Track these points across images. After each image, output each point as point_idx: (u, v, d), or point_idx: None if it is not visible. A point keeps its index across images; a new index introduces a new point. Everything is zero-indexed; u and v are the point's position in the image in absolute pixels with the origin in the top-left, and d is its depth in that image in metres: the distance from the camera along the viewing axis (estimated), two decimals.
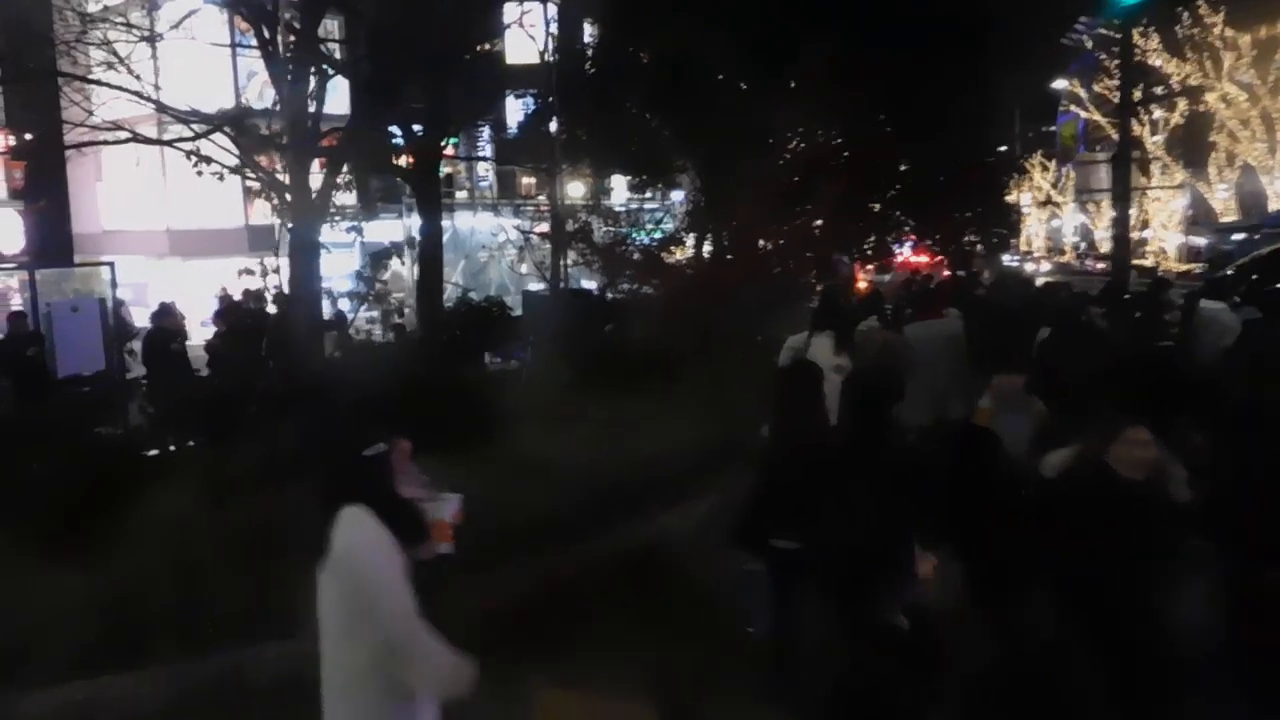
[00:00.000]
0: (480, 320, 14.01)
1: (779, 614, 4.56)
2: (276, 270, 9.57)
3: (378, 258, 10.69)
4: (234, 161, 11.40)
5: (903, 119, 12.28)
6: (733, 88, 12.30)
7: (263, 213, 12.35)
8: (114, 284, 11.75)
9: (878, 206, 13.12)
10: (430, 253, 10.81)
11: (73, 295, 11.33)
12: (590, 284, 14.25)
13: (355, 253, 13.18)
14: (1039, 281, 17.08)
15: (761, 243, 12.13)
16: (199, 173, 9.85)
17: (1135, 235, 53.60)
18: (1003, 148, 15.73)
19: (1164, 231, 52.66)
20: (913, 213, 13.35)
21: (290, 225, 11.73)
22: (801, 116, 11.89)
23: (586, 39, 15.54)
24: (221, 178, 10.65)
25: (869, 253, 13.67)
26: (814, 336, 8.04)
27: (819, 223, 12.64)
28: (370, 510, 2.70)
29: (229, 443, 6.21)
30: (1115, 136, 43.32)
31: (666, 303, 10.88)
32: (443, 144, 11.79)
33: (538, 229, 14.72)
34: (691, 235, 13.32)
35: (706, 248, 13.34)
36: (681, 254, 13.23)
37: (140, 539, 5.04)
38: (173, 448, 6.84)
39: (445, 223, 20.48)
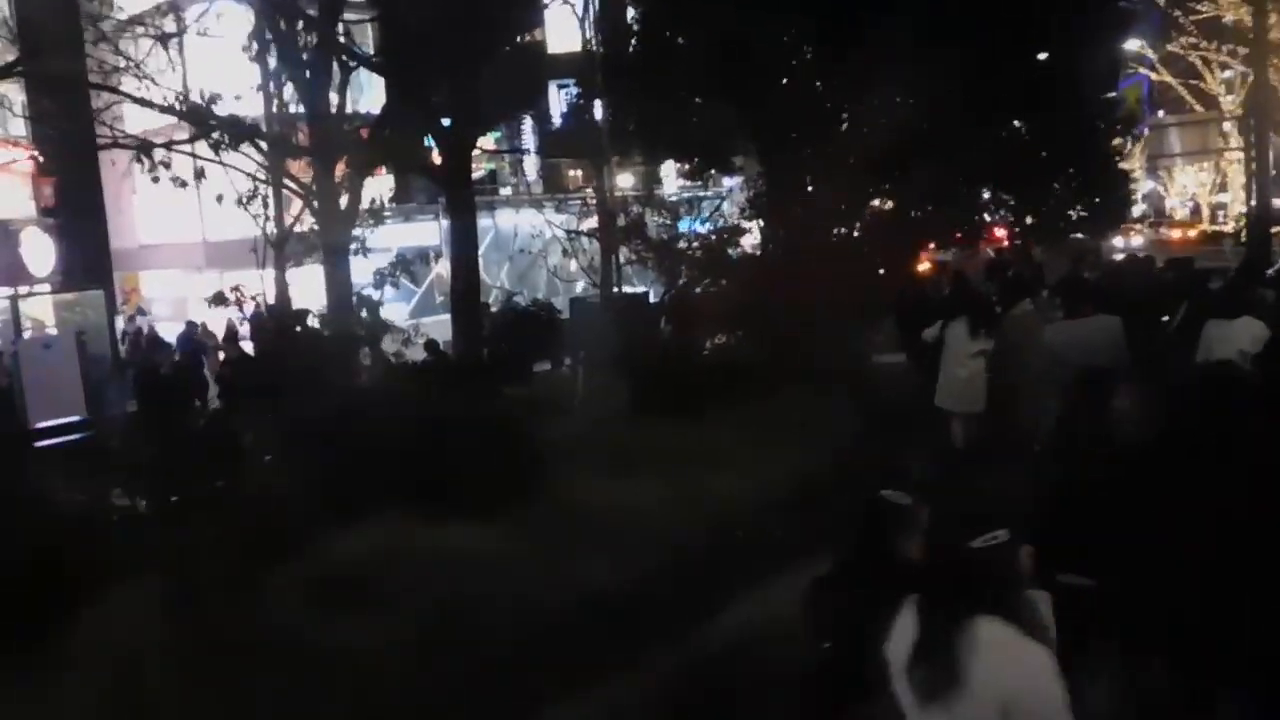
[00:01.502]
0: (528, 327, 12.95)
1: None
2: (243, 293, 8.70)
3: (393, 269, 9.64)
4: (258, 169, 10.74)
5: (992, 84, 10.82)
6: (798, 58, 10.95)
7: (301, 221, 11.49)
8: (112, 306, 10.87)
9: (969, 188, 11.67)
10: (464, 260, 9.72)
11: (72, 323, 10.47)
12: (643, 286, 13.02)
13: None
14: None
15: (838, 231, 10.85)
16: (197, 181, 8.97)
17: (1213, 199, 51.02)
18: (1112, 95, 13.93)
19: (1244, 194, 49.99)
20: (1009, 190, 11.86)
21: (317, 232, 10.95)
22: (877, 87, 10.51)
23: (630, 18, 14.26)
24: (250, 193, 9.95)
25: (959, 237, 12.24)
26: (950, 323, 8.00)
27: (897, 209, 11.31)
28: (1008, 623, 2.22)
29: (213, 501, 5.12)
30: (1188, 97, 41.28)
31: (737, 305, 9.64)
32: (474, 141, 10.72)
33: (585, 225, 13.57)
34: (756, 224, 12.01)
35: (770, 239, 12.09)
36: (746, 245, 11.94)
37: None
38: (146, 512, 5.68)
39: (486, 221, 19.52)
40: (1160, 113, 49.95)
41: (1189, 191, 54.10)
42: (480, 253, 13.02)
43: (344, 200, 10.50)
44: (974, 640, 2.25)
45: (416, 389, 7.61)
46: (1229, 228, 46.95)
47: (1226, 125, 45.28)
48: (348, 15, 11.50)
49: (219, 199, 10.05)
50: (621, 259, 12.43)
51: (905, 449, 7.95)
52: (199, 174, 9.61)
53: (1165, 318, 7.69)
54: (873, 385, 9.40)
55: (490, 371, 10.82)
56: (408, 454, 5.29)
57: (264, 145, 10.06)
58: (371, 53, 12.07)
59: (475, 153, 14.88)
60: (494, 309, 14.54)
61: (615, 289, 11.77)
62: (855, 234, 11.25)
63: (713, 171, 14.43)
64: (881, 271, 10.88)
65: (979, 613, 2.29)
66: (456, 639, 3.93)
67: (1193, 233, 44.70)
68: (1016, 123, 11.89)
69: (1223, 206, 50.94)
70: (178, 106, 9.76)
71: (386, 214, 18.46)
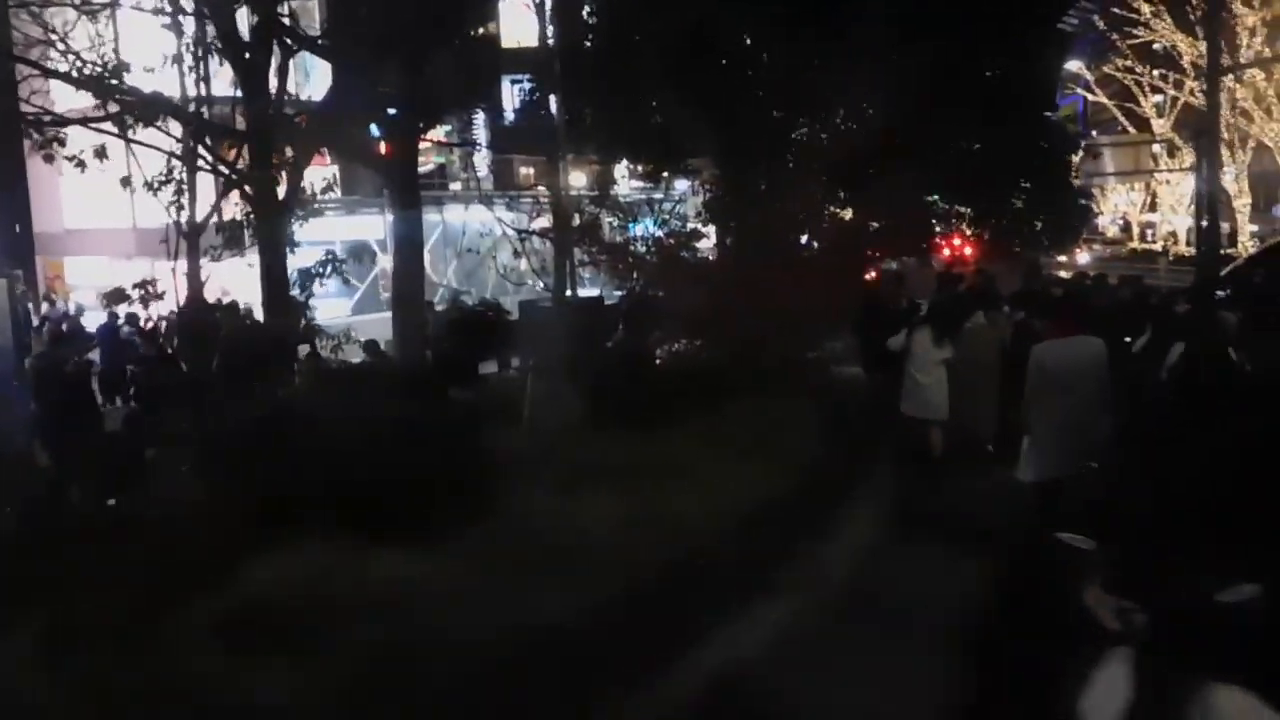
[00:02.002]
0: (475, 328, 12.43)
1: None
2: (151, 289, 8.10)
3: (323, 266, 9.10)
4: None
5: (949, 95, 10.67)
6: (758, 61, 10.67)
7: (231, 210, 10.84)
8: (32, 293, 10.14)
9: (934, 198, 11.54)
10: (408, 256, 9.22)
11: None
12: (596, 290, 12.59)
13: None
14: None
15: (796, 239, 10.59)
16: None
17: (1143, 218, 52.41)
18: (1058, 114, 13.95)
19: (1173, 214, 51.30)
20: (967, 202, 11.74)
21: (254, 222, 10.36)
22: (836, 94, 10.30)
23: (588, 13, 13.85)
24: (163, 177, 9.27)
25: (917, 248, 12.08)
26: (914, 332, 8.24)
27: (856, 218, 11.10)
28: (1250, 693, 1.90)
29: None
30: (1120, 118, 42.29)
31: (694, 311, 9.29)
32: (421, 132, 10.24)
33: (537, 224, 13.11)
34: (713, 227, 11.70)
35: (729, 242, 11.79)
36: (701, 250, 11.62)
37: None
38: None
39: (435, 217, 18.93)
40: (1094, 132, 51.36)
41: (1120, 210, 55.54)
42: (427, 249, 12.53)
43: (281, 190, 9.94)
44: (1210, 710, 1.96)
45: (351, 394, 7.09)
46: (1157, 246, 48.41)
47: (1156, 147, 46.72)
48: None
49: (124, 182, 9.31)
50: (575, 261, 12.00)
51: (870, 460, 7.71)
52: (99, 153, 8.92)
53: (1127, 339, 7.54)
54: (832, 394, 9.24)
55: (434, 375, 10.33)
56: (338, 468, 4.81)
57: (181, 124, 9.36)
58: (317, 35, 11.52)
59: (424, 145, 14.42)
60: (439, 308, 14.01)
61: (568, 292, 11.33)
62: (813, 242, 11.00)
63: (666, 174, 14.12)
64: (839, 280, 10.63)
65: (1218, 678, 2.00)
66: (390, 687, 3.48)
67: (1124, 250, 45.82)
68: (974, 135, 11.75)
69: (1151, 225, 52.51)
70: (75, 74, 9.03)
71: (328, 205, 17.80)
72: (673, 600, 4.26)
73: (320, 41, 11.18)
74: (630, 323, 9.02)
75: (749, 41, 10.85)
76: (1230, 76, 36.56)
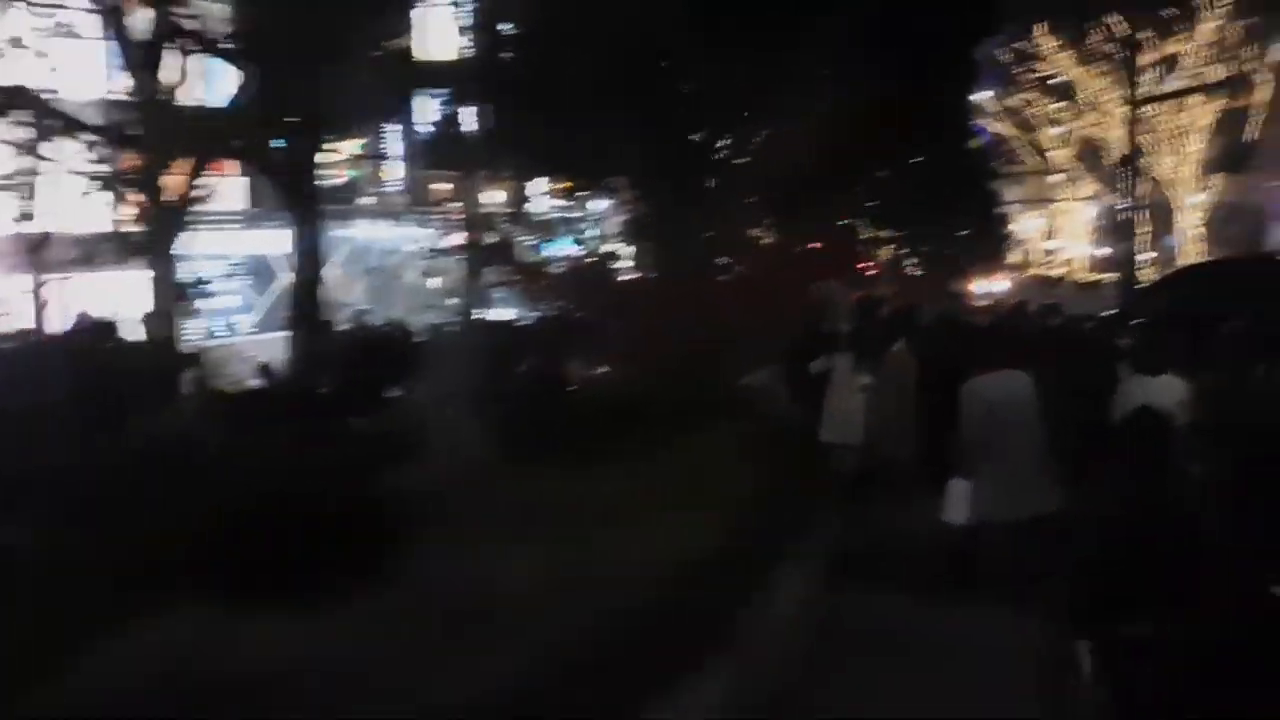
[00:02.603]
0: (380, 351, 11.74)
1: None
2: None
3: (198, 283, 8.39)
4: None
5: (875, 117, 10.53)
6: (684, 76, 10.36)
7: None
8: None
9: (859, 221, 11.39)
10: (307, 273, 8.57)
11: None
12: (513, 310, 12.03)
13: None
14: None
15: (721, 260, 10.27)
16: None
17: (1044, 244, 54.32)
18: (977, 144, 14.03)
19: (1073, 242, 53.23)
20: (894, 225, 11.63)
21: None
22: (762, 115, 10.05)
23: (509, 26, 13.37)
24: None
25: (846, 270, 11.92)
26: (836, 358, 8.16)
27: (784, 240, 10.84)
28: None
29: None
30: (1024, 150, 43.77)
31: (615, 336, 8.84)
32: (322, 142, 9.64)
33: (447, 242, 12.52)
34: (634, 248, 11.32)
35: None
36: (623, 270, 11.21)
37: None
38: None
39: (347, 232, 18.10)
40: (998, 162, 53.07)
41: (1023, 237, 57.53)
42: (335, 266, 11.88)
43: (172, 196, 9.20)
44: None
45: (232, 427, 6.41)
46: (1056, 272, 50.21)
47: (1057, 177, 48.46)
48: None
49: None
50: (488, 281, 11.46)
51: (804, 494, 7.35)
52: None
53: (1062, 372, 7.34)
54: (762, 422, 8.92)
55: (332, 403, 9.64)
56: (211, 515, 4.19)
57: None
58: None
59: (335, 158, 13.74)
60: (344, 328, 13.26)
61: (480, 313, 10.78)
62: (738, 264, 10.70)
63: (588, 192, 13.71)
64: (766, 304, 10.34)
65: None
66: None
67: (1025, 275, 47.30)
68: (899, 159, 11.64)
69: (1052, 252, 54.44)
70: None
71: (229, 217, 16.86)
72: (600, 673, 3.76)
73: (221, 44, 10.48)
74: (547, 348, 8.51)
75: (671, 58, 10.52)
76: (1126, 110, 38.19)
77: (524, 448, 6.46)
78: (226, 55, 9.94)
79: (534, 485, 5.86)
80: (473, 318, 10.58)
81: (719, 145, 10.81)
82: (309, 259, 8.63)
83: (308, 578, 4.35)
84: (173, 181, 9.64)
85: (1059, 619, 4.01)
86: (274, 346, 16.32)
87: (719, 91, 10.58)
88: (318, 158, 9.23)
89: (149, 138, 9.39)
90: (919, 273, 12.51)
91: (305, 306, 8.62)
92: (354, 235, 18.16)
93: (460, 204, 14.71)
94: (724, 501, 5.82)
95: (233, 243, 18.84)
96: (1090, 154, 43.56)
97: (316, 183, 9.04)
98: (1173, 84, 33.64)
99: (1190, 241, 37.49)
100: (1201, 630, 3.48)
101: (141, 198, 9.22)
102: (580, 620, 4.06)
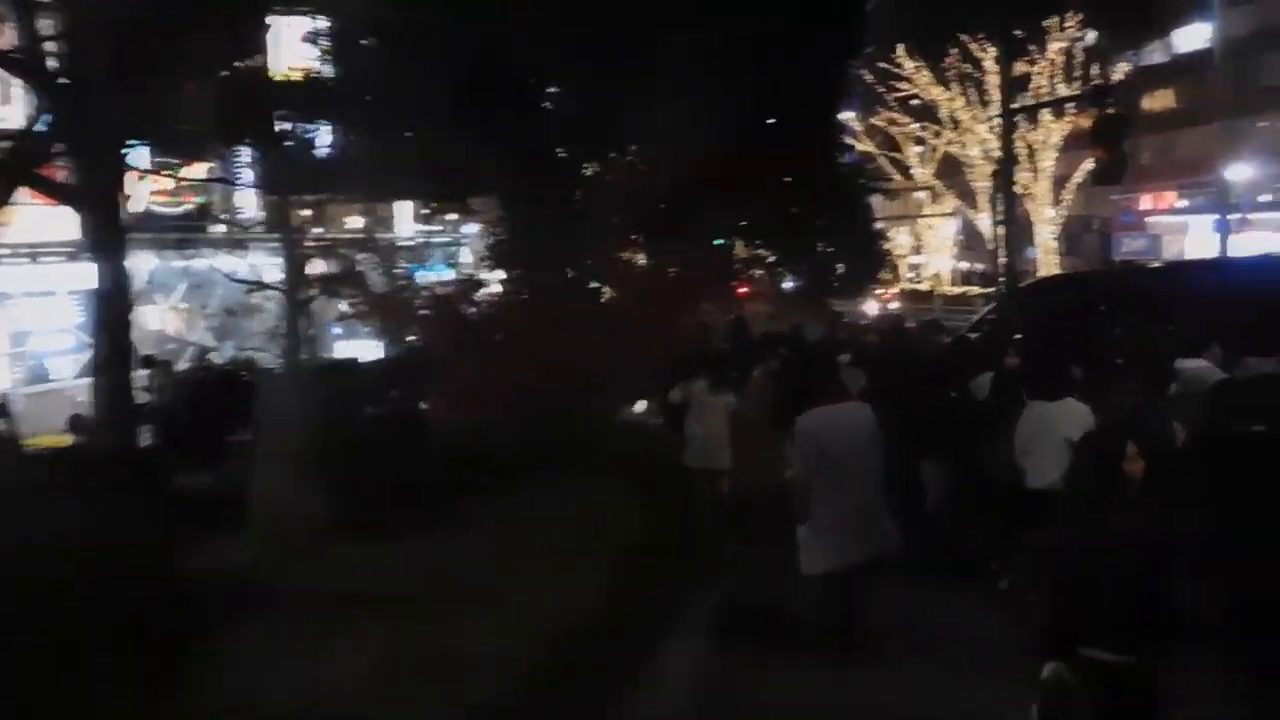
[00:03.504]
0: (222, 393, 10.62)
1: None
2: None
3: None
4: None
5: (746, 133, 10.15)
6: (547, 91, 9.74)
7: None
8: None
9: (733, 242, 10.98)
10: (112, 311, 7.51)
11: None
12: (370, 346, 11.08)
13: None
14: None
15: (590, 286, 9.65)
16: None
17: (910, 260, 56.05)
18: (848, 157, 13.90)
19: (937, 256, 55.11)
20: (769, 246, 11.25)
21: None
22: (635, 127, 9.53)
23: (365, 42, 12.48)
24: None
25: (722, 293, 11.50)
26: (693, 382, 8.23)
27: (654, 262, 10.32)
28: None
29: None
30: (888, 167, 45.11)
31: (478, 371, 8.08)
32: (123, 165, 8.62)
33: (299, 271, 11.49)
34: (499, 274, 10.59)
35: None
36: (487, 298, 10.43)
37: None
38: None
39: (182, 265, 16.72)
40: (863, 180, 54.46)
41: (890, 252, 59.25)
42: (177, 299, 10.74)
43: None
44: None
45: (21, 495, 5.39)
46: (924, 286, 51.76)
47: (920, 194, 50.06)
48: None
49: None
50: (342, 313, 10.49)
51: (685, 539, 6.77)
52: None
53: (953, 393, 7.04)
54: (639, 459, 8.36)
55: (162, 455, 8.57)
56: None
57: None
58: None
59: (182, 183, 12.58)
60: (183, 370, 12.05)
61: (332, 350, 9.81)
62: (607, 289, 10.10)
63: (455, 215, 12.91)
64: (640, 330, 9.78)
65: None
66: None
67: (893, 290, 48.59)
68: (771, 176, 11.28)
69: (917, 267, 56.15)
70: None
71: (50, 250, 15.32)
72: None
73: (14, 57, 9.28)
74: (400, 388, 7.69)
75: (534, 73, 9.90)
76: (985, 128, 39.72)
77: (368, 510, 5.65)
78: (21, 70, 8.77)
79: (376, 556, 5.08)
80: (322, 355, 9.59)
81: (586, 166, 10.24)
82: (111, 294, 7.56)
83: (84, 687, 3.50)
84: None
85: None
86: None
87: (584, 109, 10.01)
88: (133, 185, 8.18)
89: None
90: (792, 292, 12.23)
91: (104, 351, 7.53)
92: (197, 266, 16.76)
93: (316, 230, 13.68)
94: (597, 566, 5.18)
95: (63, 277, 17.25)
96: (951, 170, 45.18)
97: (114, 209, 8.00)
98: (1024, 102, 35.16)
99: (1045, 253, 39.15)
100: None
101: None
102: None
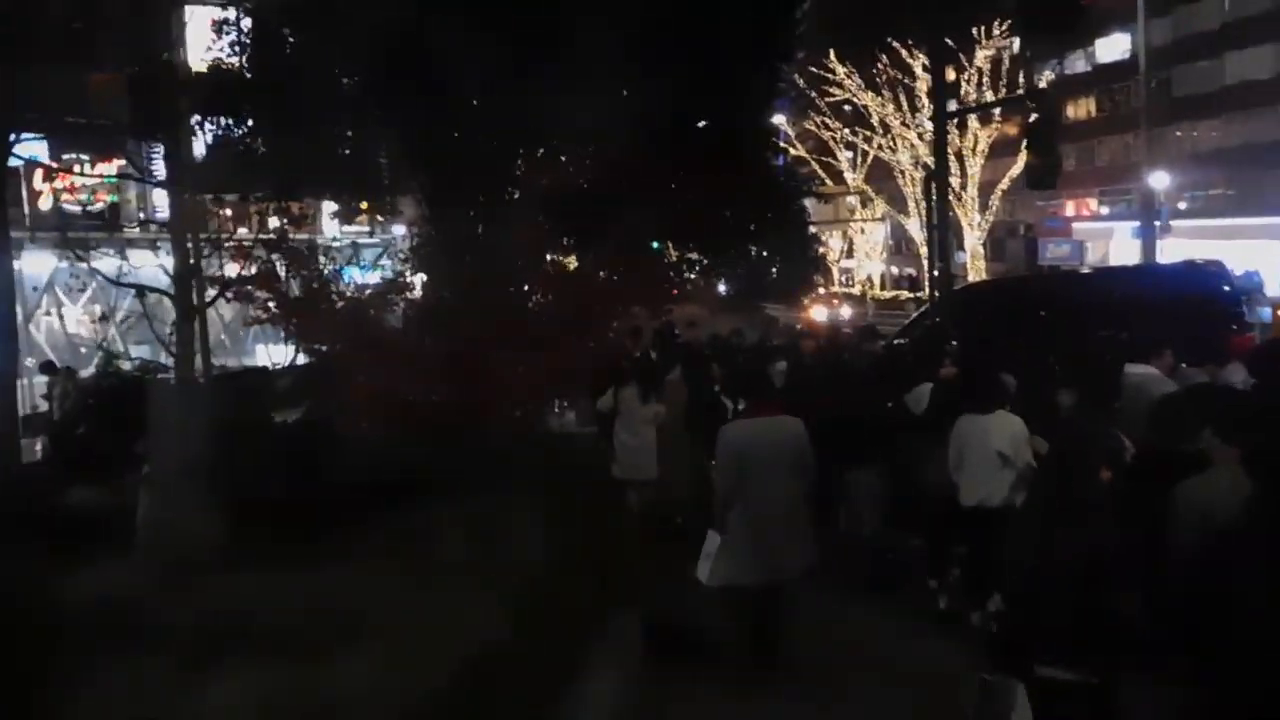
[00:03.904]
0: (128, 400, 9.93)
1: None
2: None
3: None
4: None
5: (675, 132, 9.88)
6: (470, 82, 9.32)
7: None
8: None
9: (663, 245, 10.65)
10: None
11: None
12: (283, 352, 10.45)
13: None
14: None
15: (515, 290, 9.25)
16: None
17: (841, 264, 56.57)
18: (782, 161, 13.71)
19: (867, 260, 55.73)
20: (701, 250, 10.95)
21: None
22: (562, 124, 9.17)
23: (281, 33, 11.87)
24: None
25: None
26: (620, 390, 8.01)
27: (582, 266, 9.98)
28: None
29: None
30: (819, 171, 45.48)
31: (393, 382, 7.62)
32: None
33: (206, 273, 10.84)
34: (420, 278, 10.11)
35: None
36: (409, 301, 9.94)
37: None
38: None
39: (110, 264, 15.79)
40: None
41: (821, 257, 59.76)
42: (88, 301, 10.03)
43: None
44: None
45: None
46: (855, 290, 52.34)
47: (851, 198, 50.58)
48: None
49: None
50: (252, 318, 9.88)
51: (609, 558, 6.42)
52: None
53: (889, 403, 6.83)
54: (564, 472, 8.00)
55: (52, 469, 7.96)
56: None
57: None
58: None
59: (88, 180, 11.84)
60: (88, 375, 11.34)
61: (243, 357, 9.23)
62: (535, 293, 9.71)
63: (379, 215, 12.39)
64: (570, 336, 9.42)
65: None
66: None
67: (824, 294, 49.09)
68: (702, 177, 10.99)
69: (848, 271, 56.73)
70: None
71: None
72: None
73: None
74: (310, 401, 7.21)
75: (455, 62, 9.46)
76: (915, 134, 40.28)
77: (265, 531, 5.21)
78: None
79: (269, 586, 4.66)
80: (234, 362, 8.96)
81: (514, 156, 9.83)
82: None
83: None
84: None
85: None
86: None
87: (508, 105, 9.63)
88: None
89: None
90: (725, 297, 11.99)
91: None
92: (101, 267, 15.85)
93: (227, 232, 13.00)
94: (515, 588, 4.82)
95: None
96: (881, 175, 45.72)
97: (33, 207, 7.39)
98: (951, 107, 35.69)
99: (973, 258, 39.83)
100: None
101: None
102: None
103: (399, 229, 14.33)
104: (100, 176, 22.08)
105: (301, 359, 9.12)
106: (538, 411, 8.82)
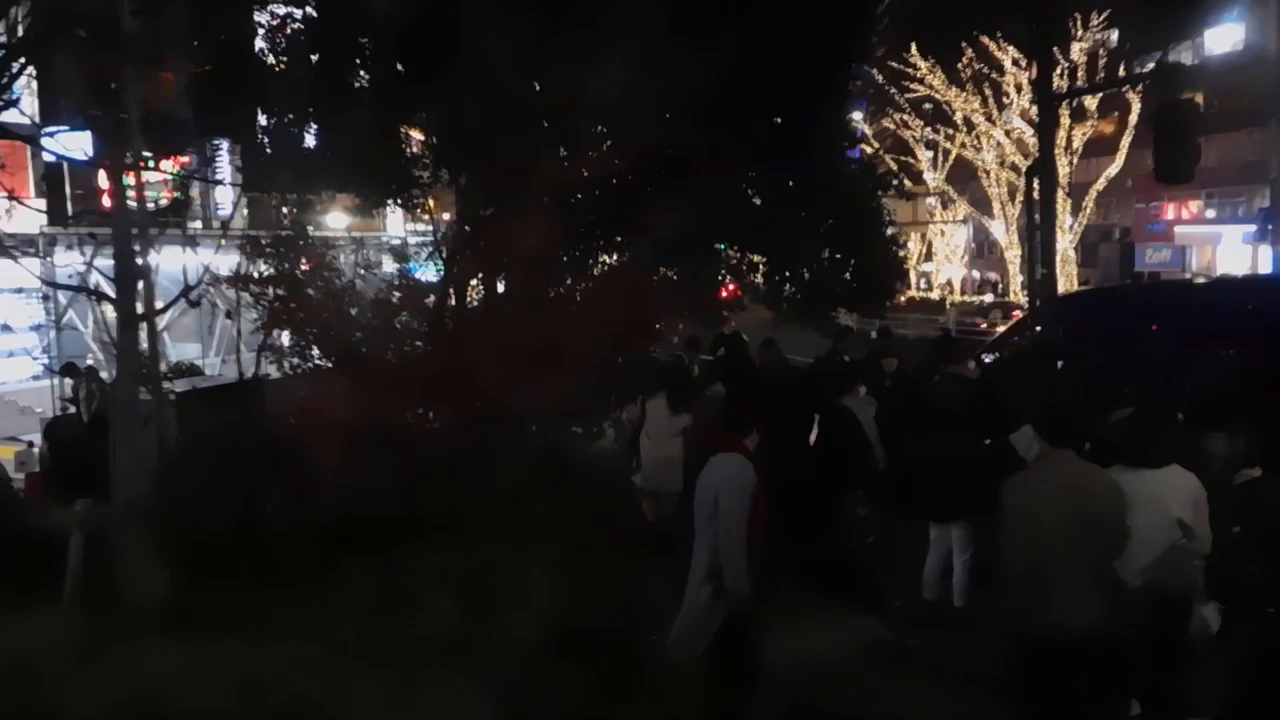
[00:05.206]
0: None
1: None
2: None
3: None
4: None
5: (739, 116, 8.80)
6: (507, 57, 8.41)
7: None
8: None
9: (727, 247, 9.65)
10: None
11: None
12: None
13: None
14: None
15: (556, 291, 8.35)
16: None
17: (920, 267, 54.48)
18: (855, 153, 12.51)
19: (947, 264, 53.63)
20: (760, 250, 9.84)
21: None
22: (610, 110, 8.23)
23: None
24: None
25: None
26: (649, 400, 7.73)
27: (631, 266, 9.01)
28: None
29: None
30: (895, 170, 43.75)
31: (407, 394, 6.75)
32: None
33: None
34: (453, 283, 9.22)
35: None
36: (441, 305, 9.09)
37: None
38: None
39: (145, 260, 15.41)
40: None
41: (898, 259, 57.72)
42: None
43: None
44: None
45: None
46: (935, 295, 50.34)
47: (930, 199, 48.54)
48: None
49: None
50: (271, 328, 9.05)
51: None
52: None
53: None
54: (595, 494, 7.16)
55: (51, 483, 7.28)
56: None
57: None
58: None
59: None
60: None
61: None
62: (579, 294, 8.78)
63: (417, 209, 11.57)
64: (615, 341, 8.48)
65: None
66: None
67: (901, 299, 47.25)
68: (767, 169, 9.84)
69: (927, 274, 54.64)
70: None
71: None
72: None
73: None
74: (303, 417, 6.34)
75: (494, 43, 8.57)
76: (1003, 132, 38.38)
77: (225, 576, 4.32)
78: None
79: (218, 647, 3.76)
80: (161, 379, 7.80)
81: (557, 148, 8.89)
82: None
83: None
84: None
85: None
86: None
87: (553, 88, 8.70)
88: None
89: None
90: (791, 302, 10.86)
91: None
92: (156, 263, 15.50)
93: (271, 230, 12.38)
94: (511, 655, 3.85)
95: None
96: (963, 176, 43.78)
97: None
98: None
99: (1062, 263, 37.72)
100: None
101: None
102: None
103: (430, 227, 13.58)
104: (165, 174, 21.91)
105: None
106: (572, 421, 7.95)
